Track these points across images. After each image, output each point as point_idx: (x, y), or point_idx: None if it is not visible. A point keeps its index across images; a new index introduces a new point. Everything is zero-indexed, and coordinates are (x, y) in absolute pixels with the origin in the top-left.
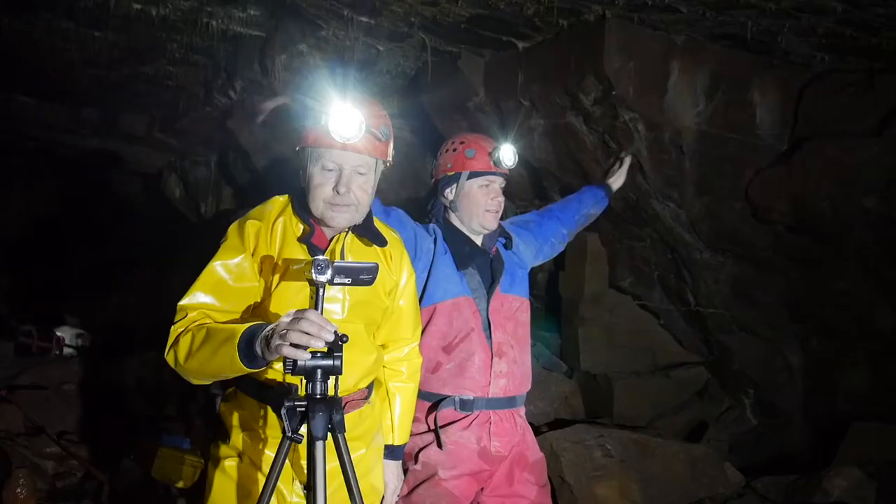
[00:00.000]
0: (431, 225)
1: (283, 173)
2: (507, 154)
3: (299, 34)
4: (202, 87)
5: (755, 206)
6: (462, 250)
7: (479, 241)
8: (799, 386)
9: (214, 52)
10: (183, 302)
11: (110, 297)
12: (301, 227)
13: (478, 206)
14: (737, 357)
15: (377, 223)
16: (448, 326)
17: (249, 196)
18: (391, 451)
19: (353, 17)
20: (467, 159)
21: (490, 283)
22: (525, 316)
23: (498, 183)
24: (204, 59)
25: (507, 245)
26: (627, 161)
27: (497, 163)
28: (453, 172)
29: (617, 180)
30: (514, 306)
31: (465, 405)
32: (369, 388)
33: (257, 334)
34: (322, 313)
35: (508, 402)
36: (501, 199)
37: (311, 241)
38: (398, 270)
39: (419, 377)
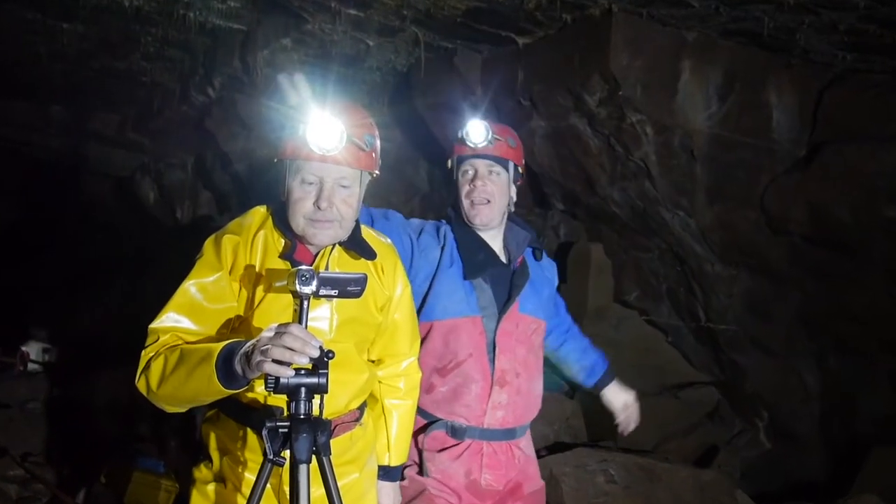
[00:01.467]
0: (444, 227)
1: (266, 178)
2: (473, 129)
3: (283, 28)
4: (178, 84)
5: (770, 214)
6: (474, 257)
7: (496, 244)
8: (816, 407)
9: (192, 47)
10: (154, 325)
11: (80, 309)
12: (283, 241)
13: (461, 199)
14: (750, 376)
15: (366, 232)
16: (444, 348)
17: (229, 202)
18: (386, 472)
19: (340, 9)
20: (455, 144)
21: (506, 300)
22: (541, 339)
23: (483, 167)
24: (180, 53)
25: (537, 255)
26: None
27: (461, 142)
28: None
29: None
30: (530, 328)
31: (457, 432)
32: (361, 409)
33: (236, 351)
34: (306, 328)
35: (506, 434)
36: (491, 187)
37: (294, 257)
38: (391, 283)
39: (418, 394)
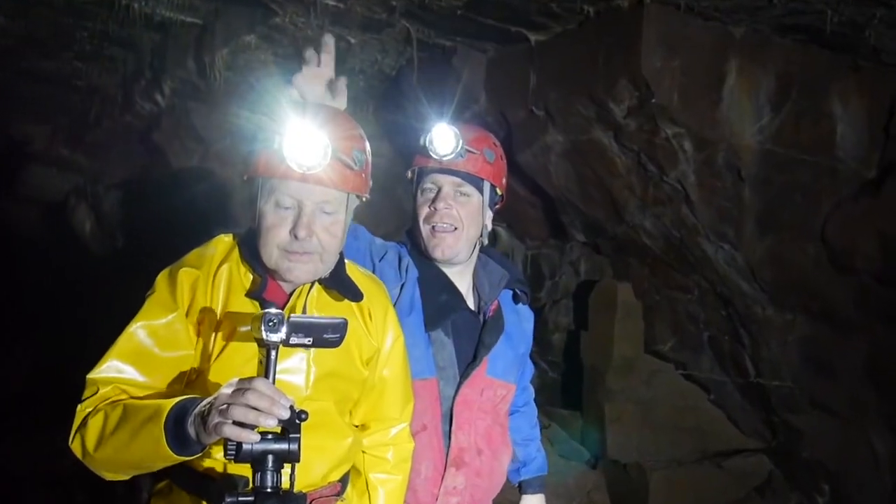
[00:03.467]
0: (407, 259)
1: (228, 203)
2: (439, 137)
3: (246, 22)
4: (120, 90)
5: (833, 248)
6: (437, 298)
7: (463, 285)
8: (887, 478)
9: (136, 44)
10: (93, 374)
11: (1, 358)
12: (251, 277)
13: (419, 224)
14: (808, 442)
15: (351, 269)
16: None
17: (182, 233)
18: None
19: None
20: (416, 154)
21: (471, 360)
22: (508, 407)
23: (449, 186)
24: (123, 52)
25: (521, 299)
26: None
27: (424, 151)
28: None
29: None
30: (498, 395)
31: None
32: (343, 480)
33: (190, 410)
34: (275, 383)
35: None
36: (458, 210)
37: (263, 296)
38: (380, 333)
39: (409, 467)
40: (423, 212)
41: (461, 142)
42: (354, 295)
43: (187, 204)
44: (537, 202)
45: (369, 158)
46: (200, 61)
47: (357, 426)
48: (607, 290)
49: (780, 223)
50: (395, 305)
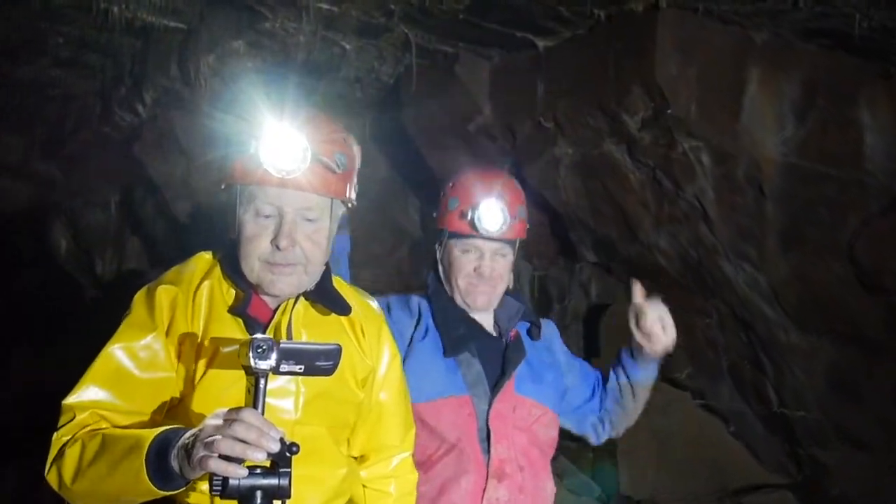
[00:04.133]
0: (417, 298)
1: (211, 219)
2: (488, 215)
3: (234, 26)
4: (98, 98)
5: (862, 266)
6: (454, 331)
7: (485, 319)
8: None
9: (116, 50)
10: (70, 400)
11: None
12: (234, 293)
13: (454, 276)
14: (835, 477)
15: (340, 284)
16: (429, 435)
17: (165, 251)
18: None
19: (308, 2)
20: (448, 212)
21: (499, 376)
22: (549, 432)
23: (488, 250)
24: (101, 59)
25: (534, 334)
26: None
27: (473, 225)
28: (438, 227)
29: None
30: (532, 415)
31: None
32: None
33: (173, 442)
34: (264, 413)
35: None
36: (499, 271)
37: (248, 312)
38: (375, 351)
39: (413, 500)
40: (465, 269)
41: (508, 216)
42: (342, 308)
43: (170, 220)
44: (545, 219)
45: (355, 162)
46: (184, 68)
47: (356, 458)
48: (620, 315)
49: (804, 241)
50: (413, 331)
